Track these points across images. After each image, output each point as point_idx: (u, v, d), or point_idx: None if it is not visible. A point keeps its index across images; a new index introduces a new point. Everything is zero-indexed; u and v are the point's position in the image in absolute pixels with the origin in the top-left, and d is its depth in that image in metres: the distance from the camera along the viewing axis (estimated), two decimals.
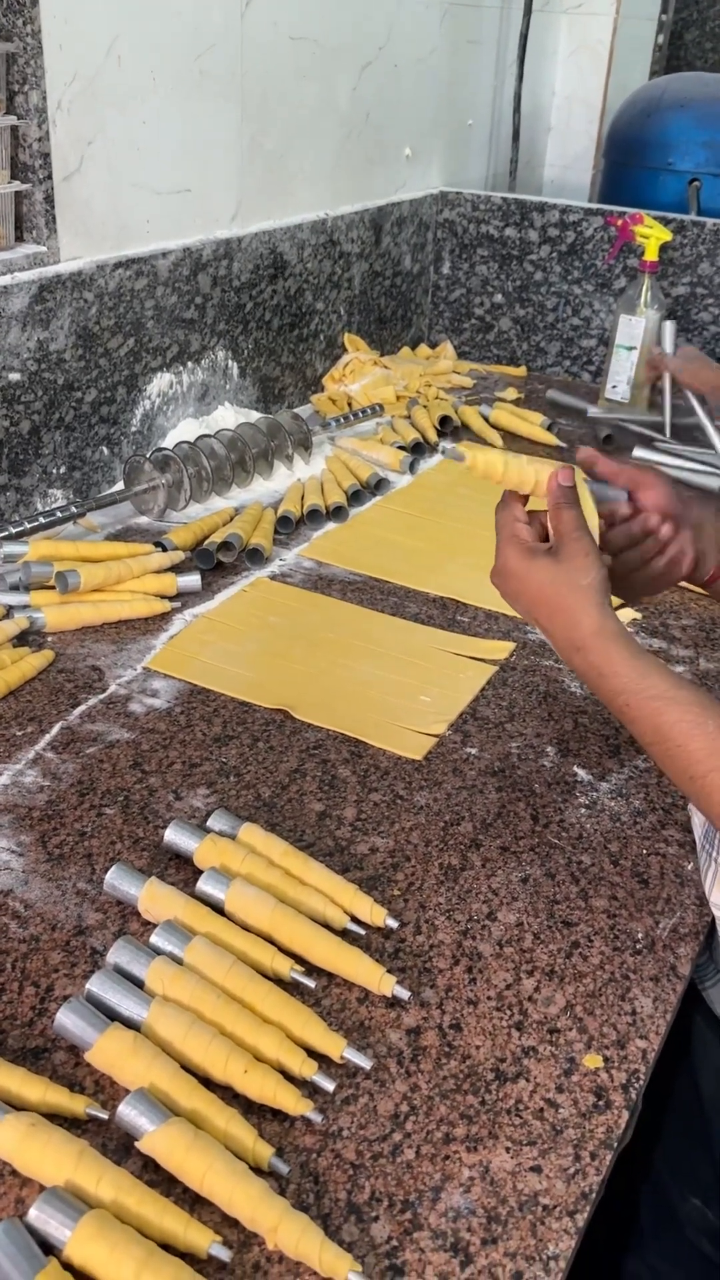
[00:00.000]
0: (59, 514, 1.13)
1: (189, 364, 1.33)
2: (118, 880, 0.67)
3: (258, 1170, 0.53)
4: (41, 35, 1.01)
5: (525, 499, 0.73)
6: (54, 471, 1.17)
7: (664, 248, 1.61)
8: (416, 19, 1.64)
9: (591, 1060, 0.61)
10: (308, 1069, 0.58)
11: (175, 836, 0.72)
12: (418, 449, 1.42)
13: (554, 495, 0.69)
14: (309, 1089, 0.58)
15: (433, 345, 1.88)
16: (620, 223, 1.57)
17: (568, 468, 0.71)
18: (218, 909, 0.67)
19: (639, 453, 1.41)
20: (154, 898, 0.66)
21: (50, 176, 1.08)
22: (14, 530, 1.08)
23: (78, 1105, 0.55)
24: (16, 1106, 0.54)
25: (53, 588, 0.99)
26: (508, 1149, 0.56)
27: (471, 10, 1.80)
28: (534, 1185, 0.54)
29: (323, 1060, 0.59)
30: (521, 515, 0.72)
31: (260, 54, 1.32)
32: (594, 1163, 0.55)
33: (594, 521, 0.70)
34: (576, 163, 2.25)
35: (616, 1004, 0.64)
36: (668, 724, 0.62)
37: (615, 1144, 0.56)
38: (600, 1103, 0.58)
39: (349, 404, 1.54)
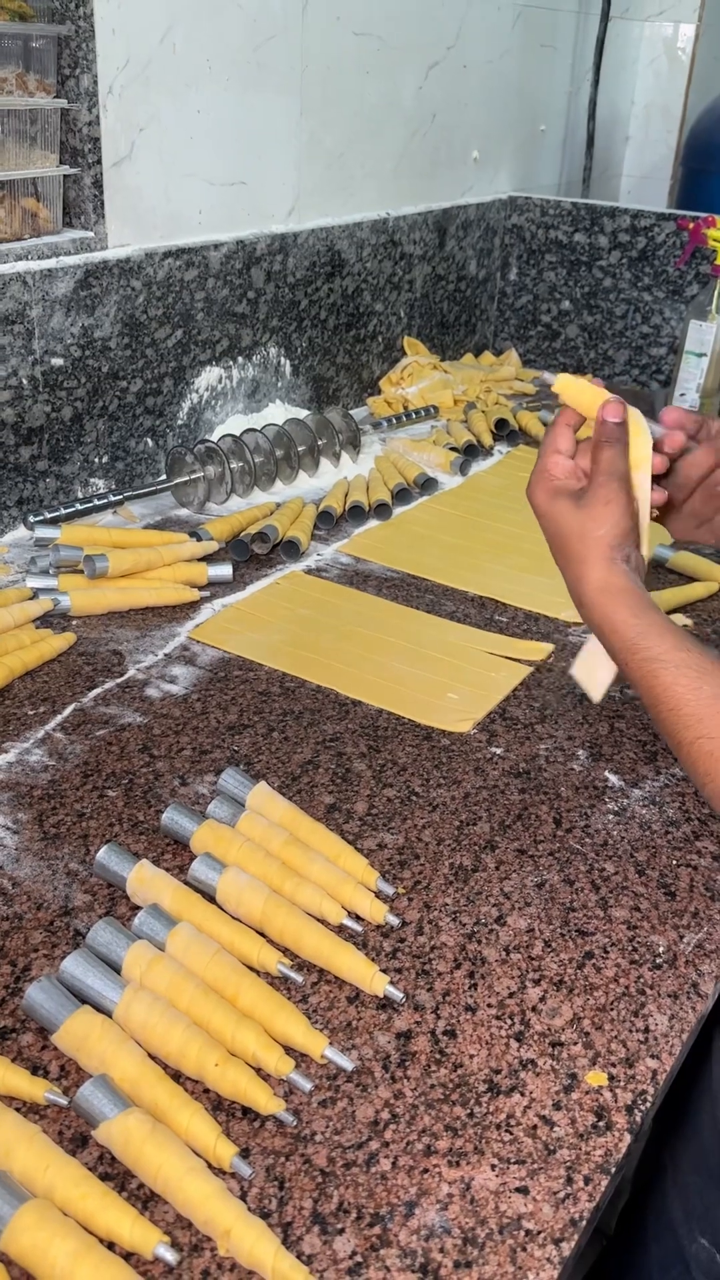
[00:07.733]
0: (96, 501, 1.12)
1: (239, 359, 1.32)
2: (108, 860, 0.65)
3: (219, 1171, 0.49)
4: (94, 19, 1.01)
5: (580, 422, 0.69)
6: (96, 460, 1.16)
7: None
8: (487, 20, 1.61)
9: (595, 1078, 0.56)
10: (284, 1066, 0.54)
11: (173, 820, 0.69)
12: (470, 451, 1.38)
13: (598, 430, 0.66)
14: (286, 1089, 0.54)
15: (497, 353, 1.84)
16: (692, 226, 1.53)
17: (619, 402, 0.66)
18: (210, 896, 0.64)
19: None
20: (143, 881, 0.63)
21: (99, 161, 1.07)
22: (49, 515, 1.07)
23: (37, 1089, 0.52)
24: None
25: (81, 572, 0.98)
26: (493, 1166, 0.51)
27: (546, 14, 1.77)
28: (518, 1207, 0.49)
29: (303, 1060, 0.55)
30: (563, 445, 0.68)
31: (321, 48, 1.31)
32: (587, 1188, 0.50)
33: (644, 455, 0.66)
34: (655, 172, 2.20)
35: (629, 1020, 0.59)
36: (662, 687, 0.59)
37: (613, 1169, 0.51)
38: (600, 1124, 0.53)
39: (404, 407, 1.51)
